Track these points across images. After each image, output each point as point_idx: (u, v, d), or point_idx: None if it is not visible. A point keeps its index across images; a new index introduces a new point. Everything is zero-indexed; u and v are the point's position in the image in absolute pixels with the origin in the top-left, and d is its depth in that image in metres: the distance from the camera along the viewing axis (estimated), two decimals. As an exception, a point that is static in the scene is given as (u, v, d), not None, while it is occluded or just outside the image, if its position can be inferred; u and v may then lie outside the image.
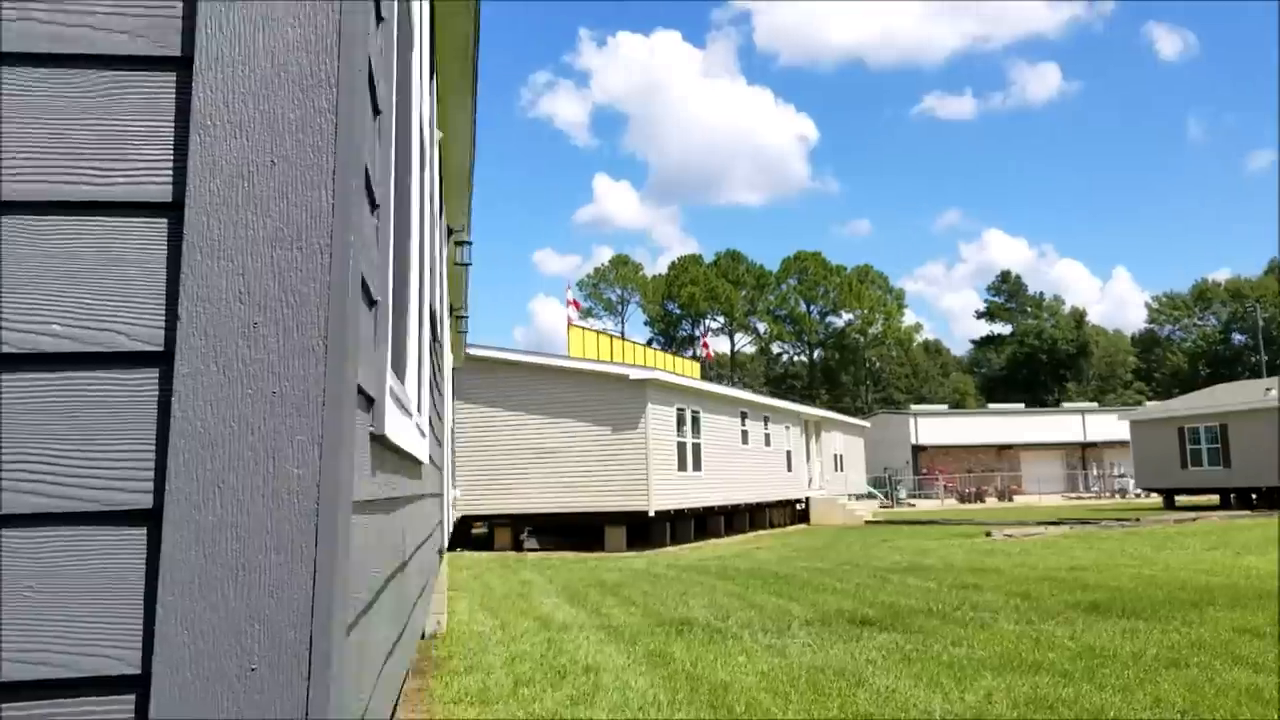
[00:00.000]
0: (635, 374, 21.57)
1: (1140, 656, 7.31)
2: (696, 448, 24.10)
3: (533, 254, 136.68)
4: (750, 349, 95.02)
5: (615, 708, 6.04)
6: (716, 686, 6.58)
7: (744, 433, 27.90)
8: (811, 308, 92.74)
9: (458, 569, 17.68)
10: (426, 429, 4.71)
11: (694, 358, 59.03)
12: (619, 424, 21.45)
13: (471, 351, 22.12)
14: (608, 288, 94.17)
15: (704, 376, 33.70)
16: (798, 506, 33.45)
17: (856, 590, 12.14)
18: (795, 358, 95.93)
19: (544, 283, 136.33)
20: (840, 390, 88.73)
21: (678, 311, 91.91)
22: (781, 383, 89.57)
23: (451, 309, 12.28)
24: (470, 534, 23.74)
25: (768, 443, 30.08)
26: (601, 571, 16.05)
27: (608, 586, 13.57)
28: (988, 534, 23.17)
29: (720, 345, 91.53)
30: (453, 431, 14.44)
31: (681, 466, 23.08)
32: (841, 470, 39.74)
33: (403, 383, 3.18)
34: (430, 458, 5.51)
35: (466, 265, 10.70)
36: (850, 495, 39.59)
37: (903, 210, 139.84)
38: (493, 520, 22.25)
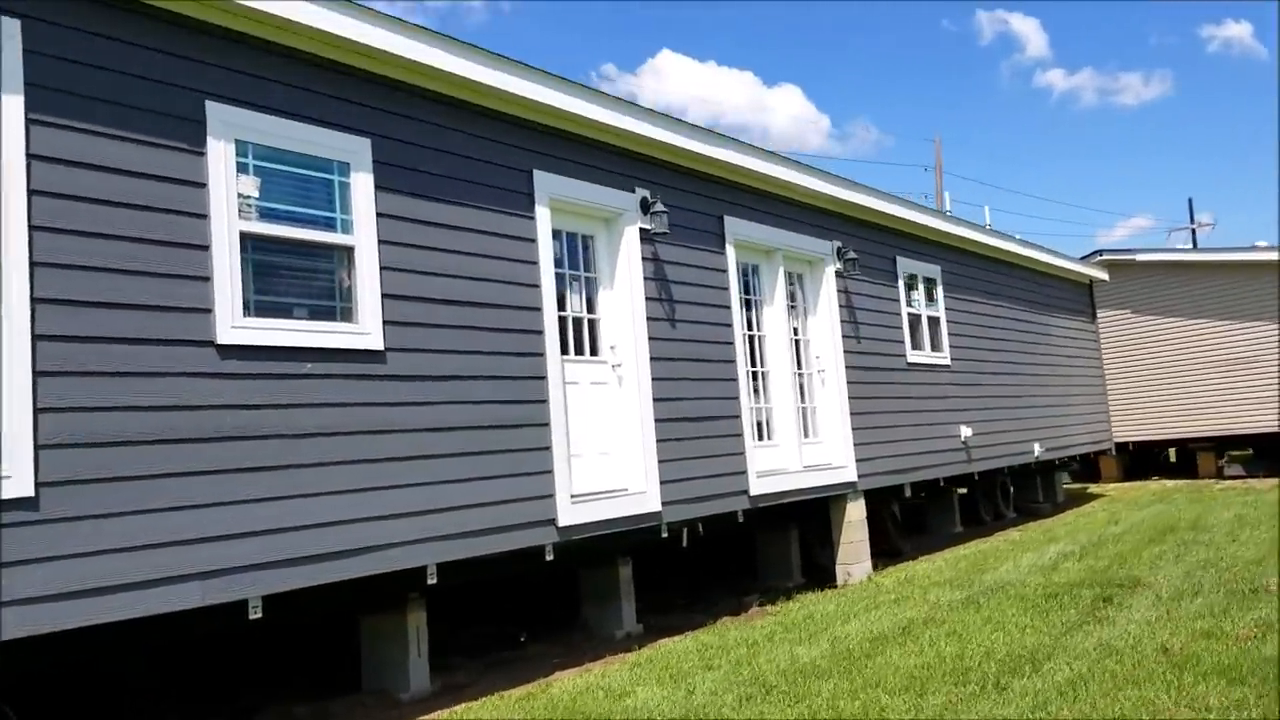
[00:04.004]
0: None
1: None
2: None
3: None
4: None
5: (706, 689, 6.05)
6: (857, 670, 6.05)
7: None
8: None
9: (1113, 500, 16.18)
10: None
11: None
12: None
13: (1143, 258, 19.79)
14: None
15: None
16: None
17: None
18: None
19: None
20: None
21: None
22: None
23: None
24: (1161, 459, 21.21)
25: None
26: (1227, 508, 13.39)
27: (1178, 530, 11.59)
28: None
29: None
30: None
31: None
32: None
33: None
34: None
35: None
36: None
37: None
38: (1191, 444, 19.29)
